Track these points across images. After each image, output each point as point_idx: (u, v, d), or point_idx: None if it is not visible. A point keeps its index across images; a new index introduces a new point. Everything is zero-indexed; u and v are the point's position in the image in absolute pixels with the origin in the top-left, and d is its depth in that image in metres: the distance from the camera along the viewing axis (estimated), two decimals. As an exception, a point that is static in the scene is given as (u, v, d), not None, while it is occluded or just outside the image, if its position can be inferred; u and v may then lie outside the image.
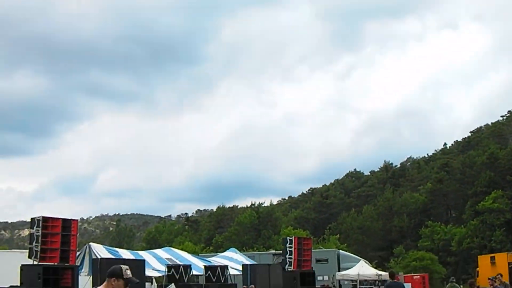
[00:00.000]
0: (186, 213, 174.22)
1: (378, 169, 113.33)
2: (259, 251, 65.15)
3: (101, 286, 6.90)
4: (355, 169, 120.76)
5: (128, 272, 6.96)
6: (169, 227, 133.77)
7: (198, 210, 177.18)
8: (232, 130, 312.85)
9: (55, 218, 24.70)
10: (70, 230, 24.67)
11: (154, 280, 42.70)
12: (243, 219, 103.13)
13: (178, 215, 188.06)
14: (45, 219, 24.10)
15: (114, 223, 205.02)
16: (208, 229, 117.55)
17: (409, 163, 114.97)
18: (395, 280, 20.92)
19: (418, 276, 53.73)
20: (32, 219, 24.37)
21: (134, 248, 75.19)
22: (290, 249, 32.52)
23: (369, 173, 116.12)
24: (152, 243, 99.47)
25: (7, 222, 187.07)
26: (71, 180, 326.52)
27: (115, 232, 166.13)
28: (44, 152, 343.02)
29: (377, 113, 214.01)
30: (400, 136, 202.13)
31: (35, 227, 23.93)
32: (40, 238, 23.58)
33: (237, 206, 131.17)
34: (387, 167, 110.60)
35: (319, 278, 38.39)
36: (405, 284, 49.18)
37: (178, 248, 63.17)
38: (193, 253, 61.69)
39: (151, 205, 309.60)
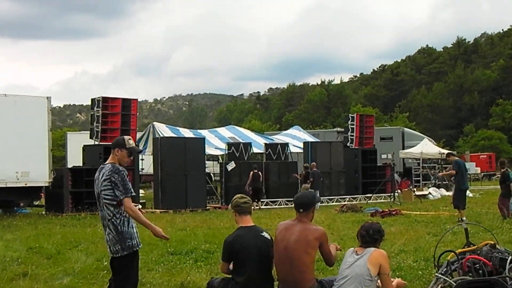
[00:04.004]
0: (258, 92, 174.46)
1: (451, 45, 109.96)
2: (325, 129, 65.15)
3: (109, 158, 6.96)
4: (427, 45, 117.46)
5: (131, 141, 6.97)
6: (240, 106, 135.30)
7: (270, 88, 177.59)
8: (307, 5, 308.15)
9: (115, 98, 25.14)
10: (130, 109, 25.14)
11: (220, 158, 43.57)
12: (312, 96, 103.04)
13: (250, 94, 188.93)
14: (105, 99, 24.59)
15: (187, 103, 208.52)
16: (278, 107, 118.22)
17: (483, 39, 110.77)
18: (457, 159, 20.69)
19: (485, 155, 53.27)
20: (92, 99, 24.87)
21: (207, 127, 76.38)
22: (352, 126, 32.45)
23: (442, 49, 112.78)
24: (223, 122, 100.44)
25: (82, 105, 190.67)
26: (145, 60, 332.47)
27: (187, 112, 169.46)
28: (117, 32, 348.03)
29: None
30: (479, 11, 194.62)
31: (95, 108, 24.46)
32: (100, 118, 24.13)
33: (308, 83, 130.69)
34: (460, 43, 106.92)
35: (383, 156, 38.19)
36: (470, 163, 49.07)
37: (244, 127, 64.08)
38: (260, 131, 62.45)
39: (224, 84, 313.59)
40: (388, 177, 30.88)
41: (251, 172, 26.71)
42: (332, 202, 28.96)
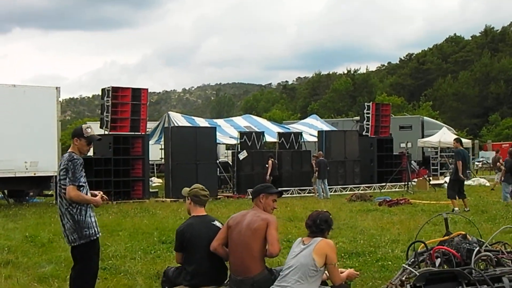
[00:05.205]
0: (287, 81, 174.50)
1: (479, 34, 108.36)
2: (348, 117, 64.83)
3: (69, 149, 7.02)
4: (455, 34, 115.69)
5: (89, 130, 7.03)
6: (267, 95, 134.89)
7: (299, 77, 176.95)
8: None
9: (125, 88, 25.17)
10: (140, 99, 25.16)
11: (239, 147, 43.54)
12: (338, 86, 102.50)
13: (278, 83, 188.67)
14: (115, 89, 24.63)
15: (215, 92, 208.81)
16: (304, 96, 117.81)
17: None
18: (461, 148, 20.31)
19: (507, 144, 52.32)
20: (102, 89, 24.96)
21: (234, 116, 76.14)
22: (368, 115, 32.18)
23: (470, 38, 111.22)
24: (249, 112, 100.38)
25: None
26: (174, 50, 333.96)
27: (214, 102, 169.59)
28: (147, 23, 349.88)
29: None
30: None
31: (105, 97, 24.54)
32: (110, 108, 24.21)
33: (336, 73, 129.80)
34: (487, 31, 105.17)
35: (402, 145, 37.95)
36: (490, 152, 48.56)
37: (265, 116, 63.92)
38: (281, 120, 62.30)
39: (253, 74, 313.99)
40: (403, 166, 30.55)
41: (270, 161, 26.70)
42: (346, 191, 28.82)
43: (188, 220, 6.84)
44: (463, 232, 8.15)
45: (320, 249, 6.16)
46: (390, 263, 10.18)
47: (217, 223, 6.83)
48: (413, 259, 7.82)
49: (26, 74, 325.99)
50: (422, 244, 8.12)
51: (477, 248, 7.51)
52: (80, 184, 6.82)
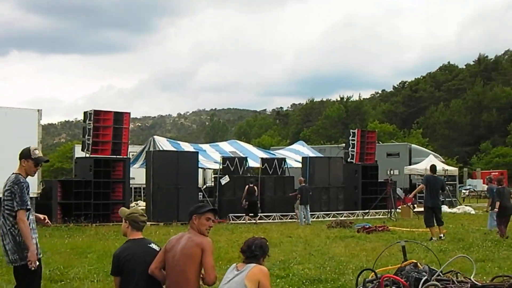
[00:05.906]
0: (281, 107, 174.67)
1: (472, 62, 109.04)
2: (338, 144, 64.92)
3: (16, 170, 7.00)
4: (448, 62, 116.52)
5: (37, 152, 7.03)
6: (260, 121, 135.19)
7: (293, 104, 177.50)
8: (335, 22, 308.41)
9: (107, 111, 25.14)
10: (122, 123, 25.13)
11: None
12: (330, 112, 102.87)
13: (273, 109, 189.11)
14: (97, 113, 24.61)
15: (209, 117, 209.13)
16: (297, 123, 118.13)
17: (506, 56, 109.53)
18: (434, 175, 20.27)
19: (497, 173, 52.26)
20: (84, 113, 24.93)
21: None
22: (353, 142, 32.17)
23: (463, 67, 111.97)
24: (241, 137, 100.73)
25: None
26: (171, 75, 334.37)
27: (209, 127, 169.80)
28: (144, 47, 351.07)
29: (485, 4, 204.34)
30: (507, 28, 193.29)
31: (87, 120, 24.50)
32: (91, 131, 24.17)
33: (329, 99, 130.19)
34: (481, 60, 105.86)
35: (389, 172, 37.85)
36: (478, 180, 48.59)
37: (254, 142, 64.01)
38: (269, 146, 62.35)
39: (249, 100, 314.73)
40: (385, 193, 30.44)
41: (246, 186, 26.64)
42: (329, 217, 28.69)
43: (124, 244, 6.83)
44: (415, 261, 8.14)
45: (253, 276, 6.08)
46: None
47: (153, 245, 6.81)
48: (361, 287, 7.80)
49: (24, 97, 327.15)
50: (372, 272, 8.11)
51: (425, 277, 7.49)
52: (28, 207, 6.83)
